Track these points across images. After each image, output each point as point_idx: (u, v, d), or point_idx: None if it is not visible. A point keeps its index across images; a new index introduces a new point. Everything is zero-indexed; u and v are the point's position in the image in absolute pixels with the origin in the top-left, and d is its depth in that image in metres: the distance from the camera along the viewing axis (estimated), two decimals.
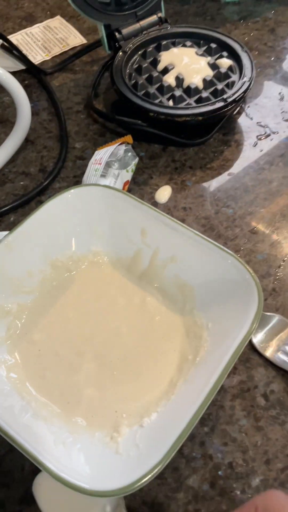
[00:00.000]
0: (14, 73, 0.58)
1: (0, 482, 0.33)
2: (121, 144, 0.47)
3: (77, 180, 0.49)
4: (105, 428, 0.33)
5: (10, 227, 0.46)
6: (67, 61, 0.59)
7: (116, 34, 0.53)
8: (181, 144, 0.51)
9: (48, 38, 0.63)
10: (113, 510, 0.30)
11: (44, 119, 0.54)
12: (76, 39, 0.62)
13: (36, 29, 0.64)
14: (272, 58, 0.61)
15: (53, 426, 0.33)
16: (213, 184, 0.49)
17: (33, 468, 0.34)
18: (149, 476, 0.27)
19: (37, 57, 0.61)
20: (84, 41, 0.62)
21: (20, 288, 0.39)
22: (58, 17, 0.66)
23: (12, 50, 0.59)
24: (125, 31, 0.53)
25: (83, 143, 0.52)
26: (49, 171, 0.50)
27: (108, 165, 0.45)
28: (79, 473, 0.29)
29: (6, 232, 0.39)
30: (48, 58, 0.61)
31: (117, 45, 0.53)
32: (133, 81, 0.51)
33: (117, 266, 0.41)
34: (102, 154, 0.45)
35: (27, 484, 0.33)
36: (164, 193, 0.48)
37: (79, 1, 0.49)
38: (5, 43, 0.58)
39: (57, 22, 0.65)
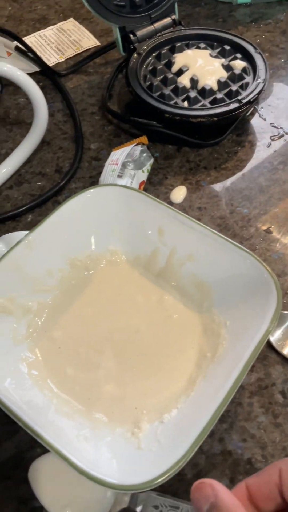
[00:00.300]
0: (29, 75, 0.58)
1: (22, 478, 0.34)
2: (136, 145, 0.48)
3: (93, 181, 0.50)
4: (125, 424, 0.34)
5: (28, 226, 0.47)
6: (81, 63, 0.60)
7: (131, 36, 0.53)
8: (196, 145, 0.52)
9: (61, 40, 0.63)
10: (114, 494, 0.31)
11: (59, 120, 0.55)
12: (90, 41, 0.63)
13: (49, 32, 0.65)
14: (283, 60, 0.61)
15: (75, 422, 0.33)
16: (228, 184, 0.49)
17: None
18: (173, 470, 0.28)
19: (51, 59, 0.61)
20: (98, 43, 0.63)
21: (40, 286, 0.39)
22: (71, 19, 0.66)
23: (27, 52, 0.60)
24: (139, 33, 0.54)
25: (98, 144, 0.53)
26: (65, 171, 0.50)
27: (124, 165, 0.46)
28: (103, 468, 0.30)
29: (26, 232, 0.40)
30: (62, 60, 0.61)
31: (131, 47, 0.54)
32: (148, 83, 0.51)
33: (135, 264, 0.42)
34: (118, 155, 0.46)
35: None
36: (179, 193, 0.49)
37: (95, 3, 0.50)
38: (20, 45, 0.59)
39: (70, 24, 0.66)
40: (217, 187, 0.49)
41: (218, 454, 0.34)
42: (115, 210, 0.41)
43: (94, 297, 0.40)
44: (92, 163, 0.51)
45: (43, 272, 0.39)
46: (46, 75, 0.59)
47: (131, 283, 0.41)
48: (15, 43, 0.61)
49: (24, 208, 0.47)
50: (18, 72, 0.46)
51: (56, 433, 0.31)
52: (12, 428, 0.36)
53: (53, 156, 0.52)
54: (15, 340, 0.37)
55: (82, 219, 0.40)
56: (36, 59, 0.58)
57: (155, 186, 0.49)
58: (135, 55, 0.53)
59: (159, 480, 0.28)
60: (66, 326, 0.39)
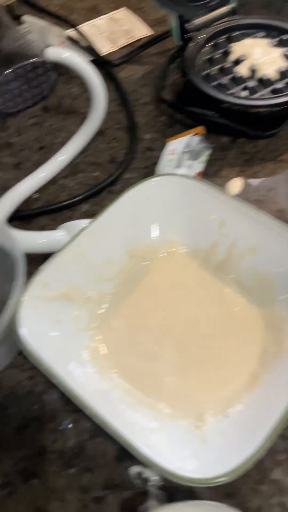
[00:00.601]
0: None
1: (84, 467, 0.34)
2: (194, 135, 0.47)
3: (147, 171, 0.49)
4: (189, 416, 0.33)
5: (83, 216, 0.47)
6: (133, 52, 0.59)
7: (187, 25, 0.52)
8: (253, 136, 0.50)
9: (113, 30, 0.63)
10: None
11: (112, 110, 0.55)
12: (142, 30, 0.62)
13: (101, 21, 0.64)
14: None
15: (140, 414, 0.33)
16: (286, 176, 0.48)
17: (116, 454, 0.34)
18: (243, 468, 0.27)
19: (103, 48, 0.61)
20: (150, 32, 0.62)
21: (100, 276, 0.39)
22: (123, 8, 0.66)
23: (79, 42, 0.60)
24: (196, 22, 0.53)
25: (152, 135, 0.52)
26: (120, 162, 0.50)
27: (180, 156, 0.45)
28: (172, 460, 0.29)
29: (88, 220, 0.40)
30: (114, 49, 0.61)
31: (187, 36, 0.53)
32: (204, 72, 0.51)
33: (194, 256, 0.41)
34: (175, 145, 0.45)
35: (110, 470, 0.34)
36: (235, 185, 0.48)
37: None
38: (71, 35, 0.58)
39: (122, 13, 0.65)
40: (274, 179, 0.48)
41: (282, 451, 0.34)
42: (176, 200, 0.40)
43: (153, 288, 0.40)
44: (146, 153, 0.51)
45: (104, 261, 0.39)
46: (99, 65, 0.59)
47: (190, 274, 0.41)
48: (67, 32, 0.61)
49: (80, 197, 0.47)
50: (78, 59, 0.46)
51: (125, 425, 0.30)
52: (73, 416, 0.36)
53: (107, 146, 0.52)
54: (77, 329, 0.37)
55: (143, 209, 0.40)
56: (90, 48, 0.58)
57: (210, 177, 0.49)
58: (191, 44, 0.52)
59: (227, 478, 0.27)
60: (126, 316, 0.38)
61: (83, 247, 0.38)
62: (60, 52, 0.45)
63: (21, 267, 0.35)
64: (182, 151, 0.45)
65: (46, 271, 0.36)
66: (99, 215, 0.38)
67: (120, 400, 0.34)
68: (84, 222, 0.40)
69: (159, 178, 0.40)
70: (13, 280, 0.35)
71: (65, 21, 0.57)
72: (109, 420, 0.30)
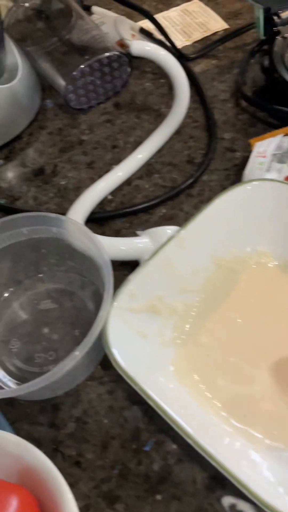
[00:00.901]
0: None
1: (171, 494, 0.32)
2: (285, 135, 0.44)
3: (227, 173, 0.46)
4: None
5: (161, 220, 0.44)
6: (210, 46, 0.56)
7: (275, 18, 0.49)
8: None
9: (187, 23, 0.60)
10: None
11: (189, 107, 0.51)
12: (217, 24, 0.59)
13: (173, 13, 0.61)
14: None
15: (238, 442, 0.30)
16: None
17: (206, 482, 0.32)
18: None
19: (176, 42, 0.58)
20: (226, 26, 0.59)
21: (186, 286, 0.37)
22: (196, 0, 0.63)
23: (152, 35, 0.57)
24: (284, 15, 0.49)
25: (232, 134, 0.49)
26: (198, 162, 0.47)
27: (270, 158, 0.42)
28: (270, 492, 0.27)
29: (173, 227, 0.37)
30: (188, 43, 0.58)
31: (274, 30, 0.49)
32: None
33: (286, 270, 0.38)
34: (265, 146, 0.42)
35: (200, 499, 0.31)
36: None
37: None
38: (149, 25, 0.56)
39: (196, 5, 0.62)
40: None
41: None
42: (271, 208, 0.37)
43: (241, 302, 0.37)
44: (226, 154, 0.48)
45: (190, 272, 0.37)
46: None
47: (283, 290, 0.37)
48: (139, 24, 0.59)
49: (157, 200, 0.44)
50: (164, 53, 0.43)
51: (221, 451, 0.28)
52: (158, 437, 0.33)
53: (184, 145, 0.49)
54: (162, 343, 0.35)
55: (233, 216, 0.37)
56: (166, 41, 0.55)
57: None
58: (279, 38, 0.49)
59: None
60: (213, 332, 0.36)
61: (170, 256, 0.35)
62: (144, 45, 0.42)
63: (109, 275, 0.32)
64: (273, 153, 0.41)
65: (134, 282, 0.34)
66: (188, 222, 0.36)
67: (215, 425, 0.31)
68: (169, 229, 0.37)
69: (255, 183, 0.37)
70: (102, 290, 0.32)
71: (140, 11, 0.54)
72: (208, 447, 0.27)
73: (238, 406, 0.32)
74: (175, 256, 0.35)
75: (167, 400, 0.30)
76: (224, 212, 0.37)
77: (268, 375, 0.34)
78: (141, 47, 0.42)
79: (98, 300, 0.39)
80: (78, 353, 0.29)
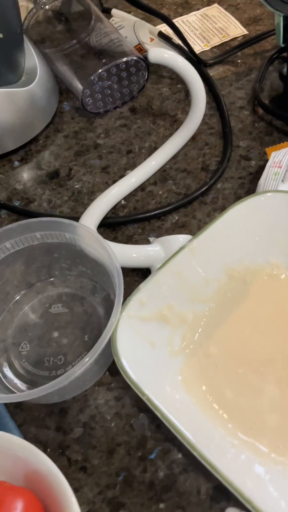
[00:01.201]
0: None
1: (175, 503, 0.32)
2: None
3: (242, 182, 0.46)
4: None
5: (174, 227, 0.44)
6: (228, 52, 0.56)
7: None
8: None
9: (206, 27, 0.60)
10: None
11: (205, 114, 0.51)
12: (237, 29, 0.59)
13: (193, 17, 0.61)
14: None
15: (240, 453, 0.30)
16: None
17: (211, 493, 0.32)
18: None
19: (195, 47, 0.58)
20: (245, 32, 0.59)
21: (196, 296, 0.37)
22: (216, 5, 0.62)
23: (171, 39, 0.57)
24: None
25: (248, 142, 0.49)
26: (213, 170, 0.47)
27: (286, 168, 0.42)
28: (273, 506, 0.27)
29: (185, 236, 0.37)
30: (207, 48, 0.58)
31: None
32: None
33: None
34: (281, 156, 0.42)
35: (204, 509, 0.31)
36: None
37: None
38: (168, 29, 0.56)
39: (215, 10, 0.62)
40: None
41: None
42: (284, 220, 0.37)
43: (252, 313, 0.37)
44: (242, 162, 0.48)
45: (201, 281, 0.37)
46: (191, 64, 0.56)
47: None
48: (158, 28, 0.59)
49: (170, 207, 0.45)
50: (180, 60, 0.43)
51: (227, 465, 0.28)
52: (164, 445, 0.34)
53: (199, 152, 0.49)
54: (171, 352, 0.35)
55: (246, 227, 0.37)
56: (181, 47, 0.55)
57: None
58: None
59: None
60: (222, 342, 0.36)
61: (182, 265, 0.35)
62: (162, 52, 0.42)
63: (120, 283, 0.33)
64: None
65: (145, 290, 0.34)
66: (201, 232, 0.36)
67: (221, 437, 0.31)
68: (181, 238, 0.37)
69: (269, 194, 0.36)
70: (112, 296, 0.33)
71: (159, 16, 0.54)
72: (212, 459, 0.27)
73: (245, 418, 0.32)
74: (186, 265, 0.36)
75: (173, 410, 0.31)
76: (237, 222, 0.37)
77: (276, 388, 0.33)
78: (159, 54, 0.42)
79: (108, 306, 0.39)
80: (88, 359, 0.30)
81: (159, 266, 0.35)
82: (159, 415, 0.29)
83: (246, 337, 0.36)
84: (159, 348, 0.34)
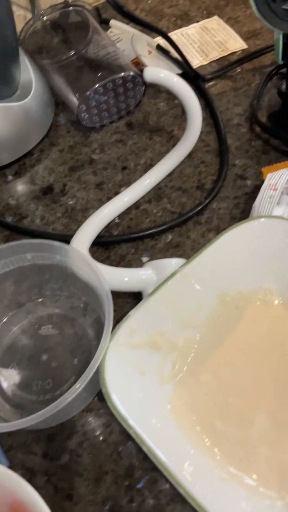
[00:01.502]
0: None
1: None
2: None
3: (237, 202, 0.46)
4: (286, 496, 0.30)
5: (167, 246, 0.44)
6: (227, 67, 0.55)
7: None
8: None
9: (205, 41, 0.59)
10: None
11: (202, 131, 0.51)
12: (236, 43, 0.58)
13: (192, 30, 0.61)
14: None
15: (229, 488, 0.30)
16: None
17: None
18: None
19: (193, 60, 0.57)
20: (245, 46, 0.58)
21: (188, 321, 0.36)
22: (216, 17, 0.62)
23: (169, 52, 0.57)
24: None
25: (244, 161, 0.48)
26: (208, 189, 0.47)
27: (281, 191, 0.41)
28: None
29: (178, 260, 0.37)
30: (205, 62, 0.57)
31: None
32: None
33: None
34: (277, 179, 0.41)
35: None
36: None
37: (263, 6, 0.45)
38: (166, 41, 0.55)
39: (215, 23, 0.61)
40: None
41: None
42: (278, 246, 0.36)
43: (244, 340, 0.37)
44: (237, 181, 0.47)
45: (193, 307, 0.36)
46: (189, 79, 0.55)
47: (286, 330, 0.37)
48: (156, 41, 0.58)
49: (164, 227, 0.44)
50: (177, 80, 0.42)
51: (214, 500, 0.28)
52: (151, 475, 0.33)
53: (195, 170, 0.48)
54: (161, 379, 0.34)
55: (240, 252, 0.37)
56: (181, 61, 0.54)
57: None
58: None
59: None
60: (213, 370, 0.35)
61: (174, 292, 0.35)
62: (158, 72, 0.42)
63: (110, 307, 0.32)
64: (285, 186, 0.41)
65: (135, 317, 0.33)
66: (193, 258, 0.35)
67: (209, 470, 0.31)
68: (174, 262, 0.37)
69: (263, 220, 0.36)
70: (103, 318, 0.32)
71: (156, 30, 0.53)
72: (199, 497, 0.27)
73: (235, 450, 0.32)
74: (178, 291, 0.35)
75: (161, 443, 0.30)
76: (231, 247, 0.36)
77: (266, 419, 0.33)
78: (154, 74, 0.41)
79: (99, 328, 0.39)
80: (78, 386, 0.29)
81: (151, 290, 0.35)
82: (145, 450, 0.29)
83: (238, 364, 0.36)
84: (149, 376, 0.34)
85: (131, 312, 0.34)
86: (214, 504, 0.28)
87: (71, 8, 0.57)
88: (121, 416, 0.29)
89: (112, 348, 0.32)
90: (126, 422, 0.29)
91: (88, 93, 0.48)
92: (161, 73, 0.42)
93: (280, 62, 0.50)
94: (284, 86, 0.51)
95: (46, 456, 0.34)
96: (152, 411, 0.32)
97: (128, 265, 0.43)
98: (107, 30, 0.60)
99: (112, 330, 0.32)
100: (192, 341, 0.36)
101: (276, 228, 0.36)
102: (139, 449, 0.34)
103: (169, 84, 0.42)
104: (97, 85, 0.48)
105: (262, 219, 0.36)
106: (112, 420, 0.35)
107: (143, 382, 0.33)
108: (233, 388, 0.34)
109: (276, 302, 0.37)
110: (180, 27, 0.62)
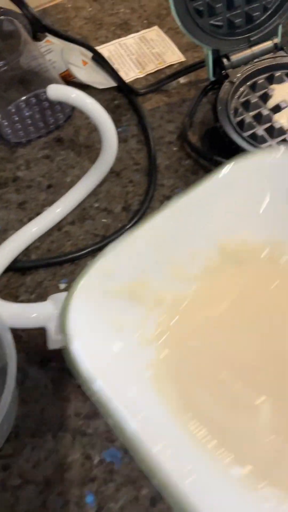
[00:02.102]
0: (104, 90, 0.53)
1: None
2: None
3: None
4: None
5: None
6: (163, 81, 0.53)
7: (224, 60, 0.46)
8: None
9: (143, 52, 0.57)
10: None
11: (132, 148, 0.49)
12: (174, 55, 0.57)
13: (130, 40, 0.59)
14: None
15: (216, 480, 0.24)
16: None
17: None
18: None
19: (129, 73, 0.55)
20: (182, 58, 0.56)
21: (179, 272, 0.30)
22: (156, 27, 0.60)
23: (106, 63, 0.55)
24: (234, 57, 0.47)
25: (173, 181, 0.47)
26: (134, 210, 0.45)
27: None
28: None
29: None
30: (141, 75, 0.55)
31: (223, 73, 0.47)
32: (239, 118, 0.45)
33: None
34: None
35: None
36: None
37: (190, 24, 0.43)
38: (98, 57, 0.53)
39: (154, 33, 0.59)
40: None
41: None
42: None
43: (245, 303, 0.31)
44: (164, 203, 0.45)
45: (187, 253, 0.30)
46: (123, 92, 0.53)
47: None
48: (98, 49, 0.56)
49: (85, 251, 0.42)
50: (88, 100, 0.40)
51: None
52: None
53: (122, 190, 0.47)
54: (141, 340, 0.29)
55: (242, 191, 0.31)
56: (113, 74, 0.52)
57: None
58: (227, 83, 0.46)
59: None
60: (205, 336, 0.29)
61: (164, 229, 0.29)
62: (61, 89, 0.40)
63: (10, 349, 0.30)
64: None
65: (111, 255, 0.27)
66: (190, 190, 0.30)
67: (194, 457, 0.24)
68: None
69: (283, 151, 0.30)
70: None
71: (83, 45, 0.52)
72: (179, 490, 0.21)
73: (231, 439, 0.26)
74: (169, 230, 0.29)
75: (134, 415, 0.23)
76: (234, 185, 0.31)
77: (266, 399, 0.27)
78: (59, 92, 0.39)
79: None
80: None
81: (52, 325, 0.33)
82: (110, 423, 0.23)
83: (235, 332, 0.30)
84: (127, 334, 0.28)
85: (107, 249, 0.27)
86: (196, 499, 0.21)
87: (2, 17, 0.55)
88: (80, 372, 0.23)
89: (80, 291, 0.25)
90: (86, 382, 0.23)
91: (9, 108, 0.46)
92: (68, 91, 0.40)
93: (212, 78, 0.49)
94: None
95: None
96: (126, 376, 0.27)
97: (45, 292, 0.41)
98: (43, 39, 0.57)
99: (82, 271, 0.26)
100: (182, 298, 0.30)
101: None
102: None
103: (73, 102, 0.40)
104: (19, 100, 0.46)
105: (282, 151, 0.30)
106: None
107: (121, 342, 0.27)
108: (228, 362, 0.29)
109: (283, 258, 0.31)
110: (119, 36, 0.60)
